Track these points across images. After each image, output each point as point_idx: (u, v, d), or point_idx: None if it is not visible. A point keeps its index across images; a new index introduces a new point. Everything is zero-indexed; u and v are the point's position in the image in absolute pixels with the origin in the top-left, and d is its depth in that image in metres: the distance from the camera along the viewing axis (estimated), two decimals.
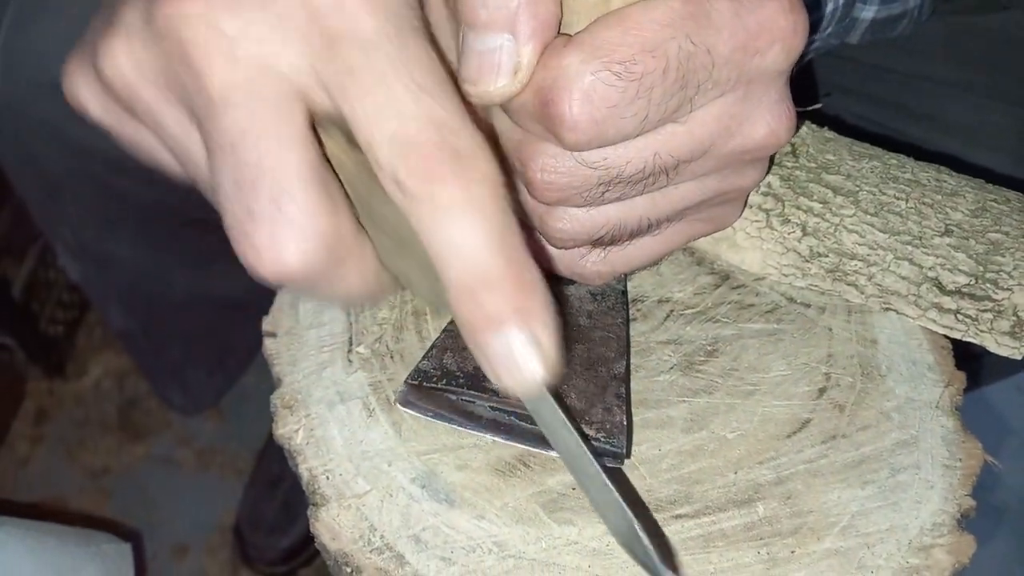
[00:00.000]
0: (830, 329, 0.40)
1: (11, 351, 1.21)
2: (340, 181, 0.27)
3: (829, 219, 0.41)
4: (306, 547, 1.09)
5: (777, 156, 0.44)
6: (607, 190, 0.31)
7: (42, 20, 0.65)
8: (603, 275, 0.37)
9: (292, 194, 0.25)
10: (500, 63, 0.28)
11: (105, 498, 1.17)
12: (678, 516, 0.34)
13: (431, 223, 0.25)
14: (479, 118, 0.28)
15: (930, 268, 0.40)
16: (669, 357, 0.39)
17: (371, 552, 0.33)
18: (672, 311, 0.41)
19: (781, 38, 0.29)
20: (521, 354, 0.25)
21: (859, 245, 0.41)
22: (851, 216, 0.41)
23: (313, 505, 0.35)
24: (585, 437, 0.34)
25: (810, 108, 0.46)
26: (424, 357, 0.37)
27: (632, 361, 0.39)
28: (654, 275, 0.43)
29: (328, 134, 0.27)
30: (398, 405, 0.36)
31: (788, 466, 0.36)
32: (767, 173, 0.41)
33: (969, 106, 0.60)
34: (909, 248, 0.40)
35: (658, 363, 0.39)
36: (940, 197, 0.42)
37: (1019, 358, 0.38)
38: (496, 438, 0.36)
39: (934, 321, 0.40)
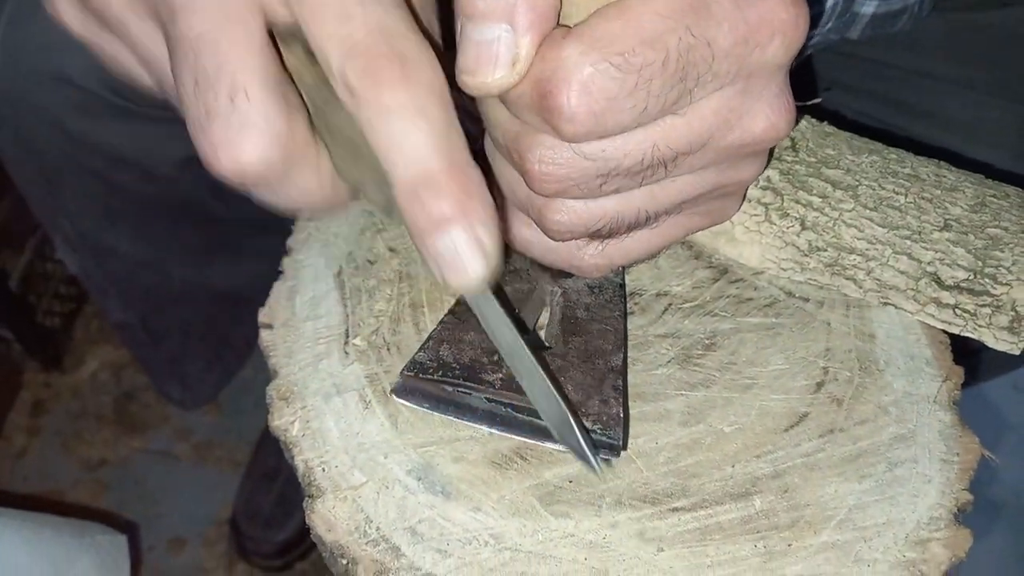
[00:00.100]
0: (828, 323, 0.40)
1: (8, 343, 1.21)
2: (299, 93, 0.29)
3: (828, 213, 0.41)
4: (302, 541, 1.09)
5: (776, 150, 0.44)
6: (605, 182, 0.31)
7: (42, 12, 0.64)
8: (601, 268, 0.37)
9: (248, 94, 0.27)
10: (498, 54, 0.28)
11: (102, 491, 1.17)
12: (675, 509, 0.34)
13: (377, 125, 0.27)
14: (426, 29, 0.29)
15: (929, 263, 0.40)
16: (667, 351, 0.39)
17: (367, 544, 0.33)
18: (670, 305, 0.41)
19: (782, 31, 0.29)
20: (465, 253, 0.27)
21: (858, 240, 0.41)
22: (850, 211, 0.41)
23: (309, 497, 0.35)
24: (525, 331, 0.37)
25: (810, 103, 0.45)
26: (420, 349, 0.37)
27: (630, 354, 0.39)
28: (652, 269, 0.43)
29: (288, 47, 0.28)
30: (394, 396, 0.36)
31: (785, 460, 0.35)
32: (766, 167, 0.41)
33: (969, 102, 0.60)
34: (908, 243, 0.40)
35: (656, 356, 0.39)
36: (939, 192, 0.42)
37: (1017, 353, 0.38)
38: (492, 430, 0.36)
39: (932, 316, 0.40)
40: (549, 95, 0.28)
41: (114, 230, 0.85)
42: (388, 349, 0.39)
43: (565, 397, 0.33)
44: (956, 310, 0.39)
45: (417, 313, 0.41)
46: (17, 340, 1.20)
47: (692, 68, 0.28)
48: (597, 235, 0.35)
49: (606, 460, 0.34)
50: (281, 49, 0.28)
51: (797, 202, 0.42)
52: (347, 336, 0.40)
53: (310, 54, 0.28)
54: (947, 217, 0.41)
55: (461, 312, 0.38)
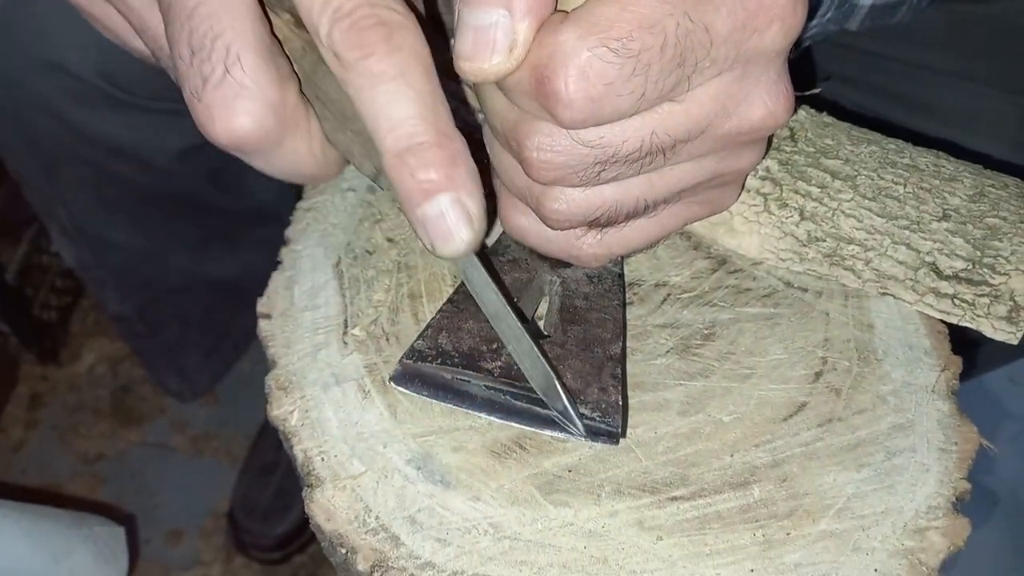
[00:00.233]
0: (827, 313, 0.40)
1: (4, 336, 1.21)
2: (289, 60, 0.30)
3: (827, 203, 0.41)
4: (300, 534, 1.09)
5: (775, 140, 0.44)
6: (603, 169, 0.31)
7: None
8: (599, 257, 0.37)
9: (243, 62, 0.28)
10: (495, 40, 0.28)
11: (99, 483, 1.17)
12: (674, 498, 0.34)
13: (365, 92, 0.27)
14: (412, 4, 0.30)
15: (927, 253, 0.40)
16: (666, 340, 0.39)
17: (366, 533, 0.33)
18: (669, 295, 0.41)
19: (780, 17, 0.29)
20: (451, 219, 0.28)
21: (857, 230, 0.40)
22: (849, 201, 0.41)
23: (308, 487, 0.35)
24: (511, 299, 0.38)
25: (808, 93, 0.45)
26: (419, 336, 0.37)
27: (629, 344, 0.39)
28: (651, 259, 0.43)
29: (278, 15, 0.29)
30: (392, 384, 0.36)
31: (784, 449, 0.35)
32: (765, 156, 0.41)
33: (968, 94, 0.60)
34: (907, 233, 0.40)
35: (655, 346, 0.39)
36: (938, 182, 0.42)
37: (1015, 343, 0.38)
38: (491, 418, 0.35)
39: (931, 306, 0.40)
40: (546, 80, 0.28)
41: (111, 221, 0.85)
42: (387, 339, 0.39)
43: (553, 367, 0.34)
44: (954, 300, 0.39)
45: (416, 303, 0.41)
46: (14, 333, 1.20)
47: (690, 53, 0.28)
48: (595, 224, 0.35)
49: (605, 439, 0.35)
50: (270, 17, 0.29)
51: (796, 192, 0.42)
52: (346, 326, 0.40)
53: (299, 22, 0.28)
54: (946, 207, 0.41)
55: (460, 301, 0.38)
